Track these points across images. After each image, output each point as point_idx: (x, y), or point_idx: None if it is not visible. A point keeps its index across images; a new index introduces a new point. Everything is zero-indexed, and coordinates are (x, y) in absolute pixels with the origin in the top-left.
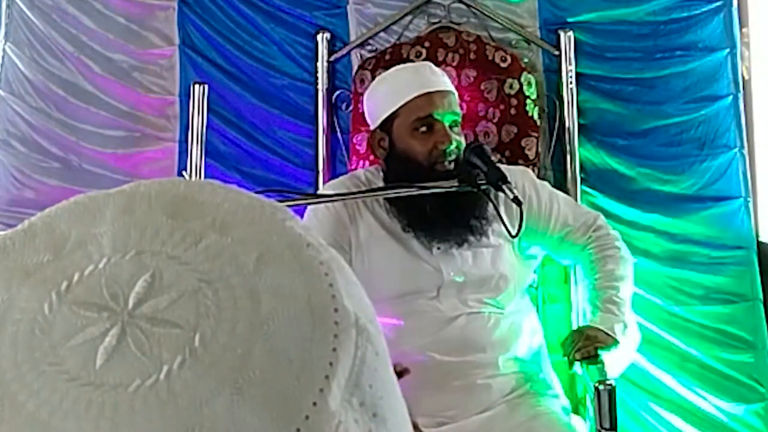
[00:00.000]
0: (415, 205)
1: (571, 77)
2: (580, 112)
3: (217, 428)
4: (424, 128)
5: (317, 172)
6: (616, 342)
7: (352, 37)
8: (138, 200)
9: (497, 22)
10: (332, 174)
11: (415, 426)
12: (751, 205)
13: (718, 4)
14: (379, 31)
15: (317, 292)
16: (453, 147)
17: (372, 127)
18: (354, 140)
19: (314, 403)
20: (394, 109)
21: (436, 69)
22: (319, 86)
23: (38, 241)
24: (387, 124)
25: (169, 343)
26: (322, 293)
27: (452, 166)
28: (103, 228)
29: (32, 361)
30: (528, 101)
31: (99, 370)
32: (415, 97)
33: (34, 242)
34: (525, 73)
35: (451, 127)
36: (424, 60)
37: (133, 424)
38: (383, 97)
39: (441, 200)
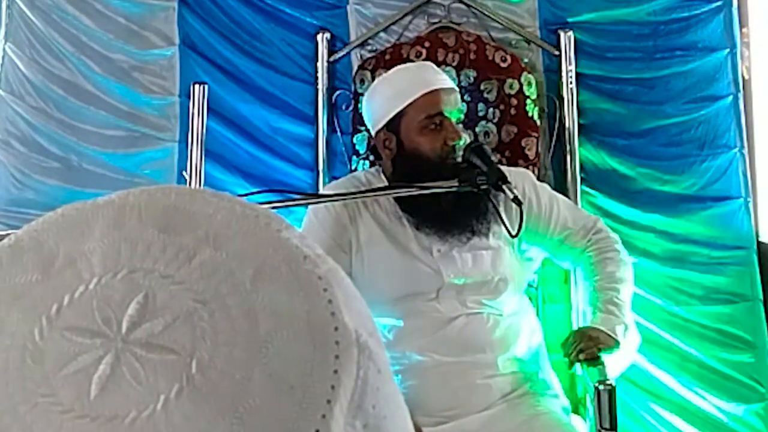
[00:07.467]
0: (423, 206)
1: (571, 77)
2: (580, 112)
3: None
4: (433, 125)
5: (317, 172)
6: (617, 343)
7: (352, 37)
8: (128, 213)
9: (497, 22)
10: (332, 174)
11: (416, 426)
12: (751, 205)
13: (718, 4)
14: (379, 31)
15: (316, 310)
16: (462, 142)
17: (375, 129)
18: (354, 140)
19: (317, 431)
20: (400, 108)
21: (438, 68)
22: (319, 86)
23: (26, 258)
24: (393, 124)
25: (165, 371)
26: (321, 310)
27: (461, 159)
28: (92, 244)
29: (24, 392)
30: (528, 101)
31: (94, 401)
32: (423, 95)
33: (21, 259)
34: (525, 73)
35: (456, 123)
36: (424, 60)
37: None
38: (387, 97)
39: (445, 200)
